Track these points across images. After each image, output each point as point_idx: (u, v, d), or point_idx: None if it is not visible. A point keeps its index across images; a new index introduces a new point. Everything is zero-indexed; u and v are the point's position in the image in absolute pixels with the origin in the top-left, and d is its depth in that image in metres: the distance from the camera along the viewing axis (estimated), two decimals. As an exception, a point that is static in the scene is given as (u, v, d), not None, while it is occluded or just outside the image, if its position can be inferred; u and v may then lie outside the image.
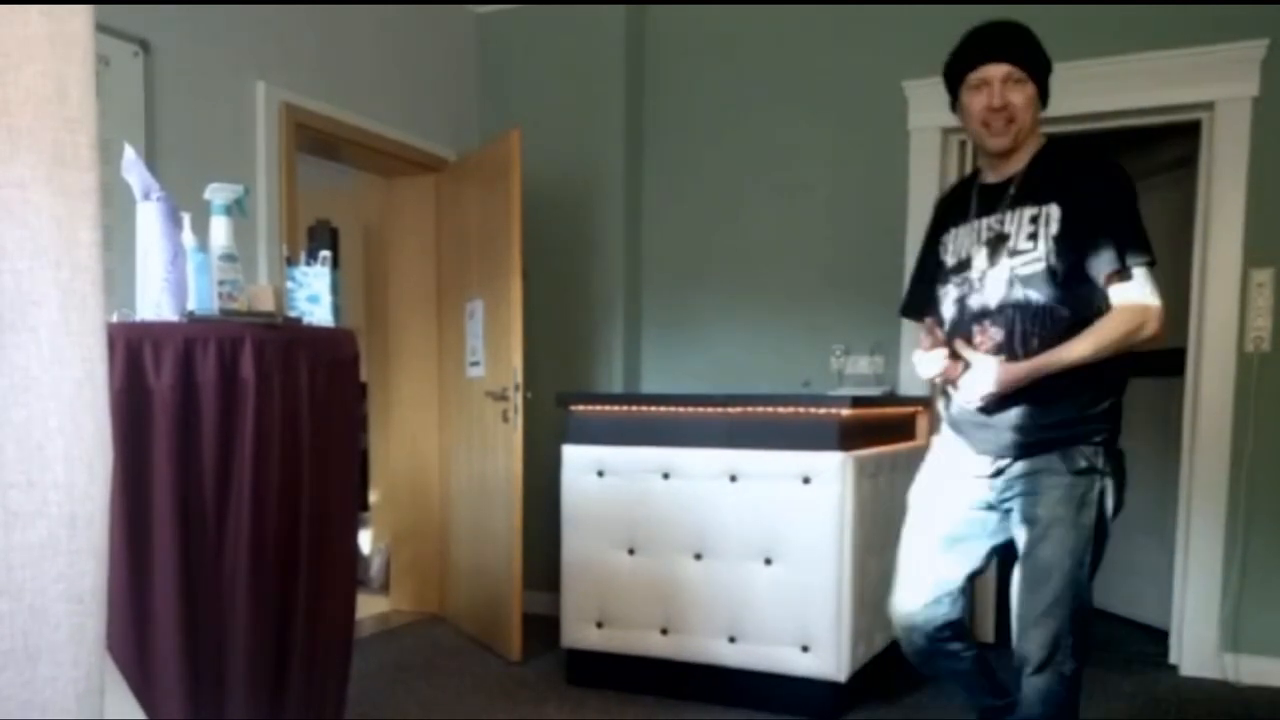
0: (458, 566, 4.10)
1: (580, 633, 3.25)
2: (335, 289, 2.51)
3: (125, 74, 2.79)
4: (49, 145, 0.71)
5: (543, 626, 3.62)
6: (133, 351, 1.82)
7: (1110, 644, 3.84)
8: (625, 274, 4.17)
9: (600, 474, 3.20)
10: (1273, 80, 3.25)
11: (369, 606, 4.29)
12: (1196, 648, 3.44)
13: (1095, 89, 3.38)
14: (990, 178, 2.08)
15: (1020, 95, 1.94)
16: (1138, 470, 4.16)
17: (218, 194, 2.09)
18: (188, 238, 2.00)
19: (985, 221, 2.03)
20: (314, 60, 3.48)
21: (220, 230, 2.06)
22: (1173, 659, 3.52)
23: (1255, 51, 3.24)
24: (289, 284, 2.54)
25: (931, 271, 2.18)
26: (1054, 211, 1.91)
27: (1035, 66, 1.97)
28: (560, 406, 3.38)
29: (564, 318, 4.21)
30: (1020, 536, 1.99)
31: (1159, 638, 3.68)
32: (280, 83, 3.31)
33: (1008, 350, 1.95)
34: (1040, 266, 1.91)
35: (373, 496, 4.90)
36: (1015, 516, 2.00)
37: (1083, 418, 1.93)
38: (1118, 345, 1.88)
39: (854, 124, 3.84)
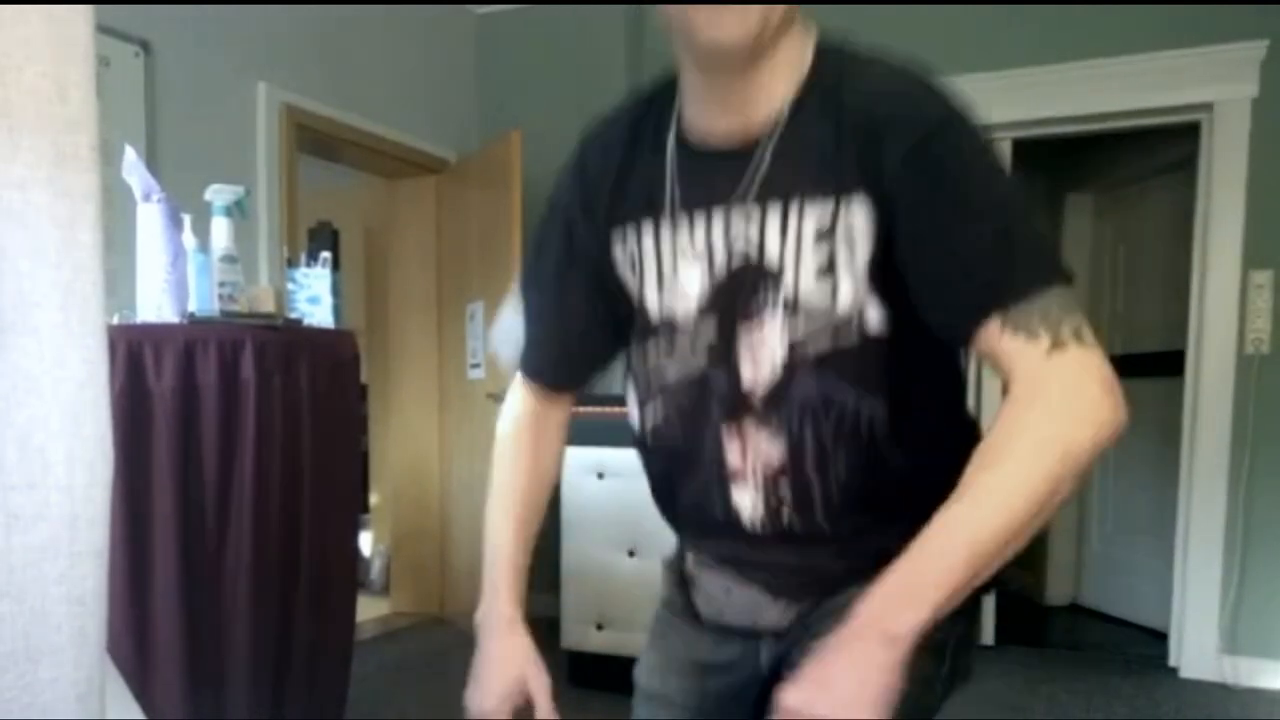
0: (458, 568, 4.10)
1: (581, 635, 3.25)
2: (336, 290, 2.51)
3: (126, 75, 2.79)
4: (49, 146, 0.71)
5: (543, 628, 3.57)
6: (134, 353, 1.82)
7: (1110, 646, 3.84)
8: (625, 275, 4.16)
9: (600, 476, 3.20)
10: (1272, 81, 3.24)
11: (369, 609, 4.28)
12: (1196, 650, 3.43)
13: (1094, 89, 3.37)
14: (708, 128, 0.97)
15: None
16: (1137, 472, 4.20)
17: (218, 195, 2.09)
18: (188, 239, 2.01)
19: (707, 232, 0.97)
20: (315, 61, 3.48)
21: (221, 232, 2.07)
22: (1172, 661, 3.51)
23: (1255, 52, 3.24)
24: (289, 285, 2.54)
25: (590, 300, 1.09)
26: (858, 209, 0.89)
27: None
28: (560, 408, 3.37)
29: (564, 319, 4.21)
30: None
31: (1159, 640, 3.67)
32: (281, 83, 3.30)
33: (794, 483, 0.97)
34: (851, 339, 0.91)
35: (373, 498, 4.90)
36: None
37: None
38: (1059, 483, 0.77)
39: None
